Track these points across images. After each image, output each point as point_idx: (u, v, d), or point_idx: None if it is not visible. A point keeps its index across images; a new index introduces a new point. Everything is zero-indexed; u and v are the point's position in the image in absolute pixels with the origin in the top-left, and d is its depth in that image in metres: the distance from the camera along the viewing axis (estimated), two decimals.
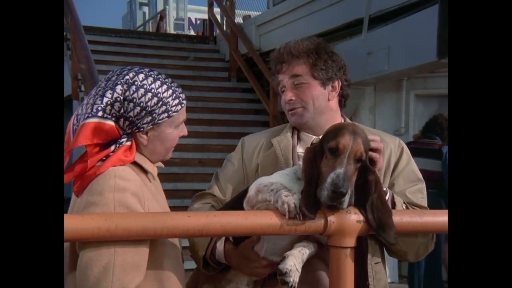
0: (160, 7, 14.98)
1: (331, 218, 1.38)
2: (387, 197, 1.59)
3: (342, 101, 1.86)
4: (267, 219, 1.36)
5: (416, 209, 1.71)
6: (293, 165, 1.74)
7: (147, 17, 15.81)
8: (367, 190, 1.44)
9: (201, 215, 1.34)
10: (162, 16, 12.96)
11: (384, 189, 1.60)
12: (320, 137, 1.77)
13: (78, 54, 5.32)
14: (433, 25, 4.32)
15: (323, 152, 1.45)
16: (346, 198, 1.36)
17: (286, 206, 1.35)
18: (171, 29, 13.86)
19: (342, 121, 1.86)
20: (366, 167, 1.46)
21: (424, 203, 1.78)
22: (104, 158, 1.43)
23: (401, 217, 1.44)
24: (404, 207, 1.65)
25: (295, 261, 1.44)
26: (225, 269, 1.69)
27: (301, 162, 1.73)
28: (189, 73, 7.68)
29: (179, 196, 5.44)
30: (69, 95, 6.20)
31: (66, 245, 1.44)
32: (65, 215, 1.24)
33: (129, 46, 8.03)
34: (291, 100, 1.79)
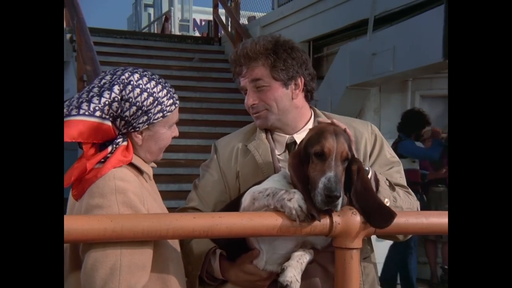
0: (165, 8, 15.01)
1: (337, 220, 1.39)
2: (369, 176, 1.57)
3: (309, 95, 1.82)
4: (272, 220, 1.36)
5: (412, 198, 1.71)
6: (274, 168, 1.72)
7: (152, 19, 15.85)
8: (352, 180, 1.43)
9: (207, 216, 1.34)
10: (167, 17, 12.96)
11: (366, 168, 1.58)
12: (294, 136, 1.74)
13: (83, 55, 5.33)
14: (438, 25, 4.30)
15: (308, 157, 1.44)
16: (340, 200, 1.37)
17: (294, 212, 1.35)
18: (176, 30, 13.87)
19: (312, 114, 1.83)
20: (350, 159, 1.45)
21: (403, 182, 1.77)
22: (102, 160, 1.43)
23: (407, 219, 1.44)
24: (388, 184, 1.63)
25: (294, 272, 1.44)
26: (221, 283, 1.67)
27: (281, 165, 1.71)
28: (194, 74, 7.67)
29: (184, 197, 5.37)
30: None
31: (66, 246, 1.44)
32: (70, 217, 1.24)
33: (134, 48, 8.03)
34: (253, 104, 1.76)
